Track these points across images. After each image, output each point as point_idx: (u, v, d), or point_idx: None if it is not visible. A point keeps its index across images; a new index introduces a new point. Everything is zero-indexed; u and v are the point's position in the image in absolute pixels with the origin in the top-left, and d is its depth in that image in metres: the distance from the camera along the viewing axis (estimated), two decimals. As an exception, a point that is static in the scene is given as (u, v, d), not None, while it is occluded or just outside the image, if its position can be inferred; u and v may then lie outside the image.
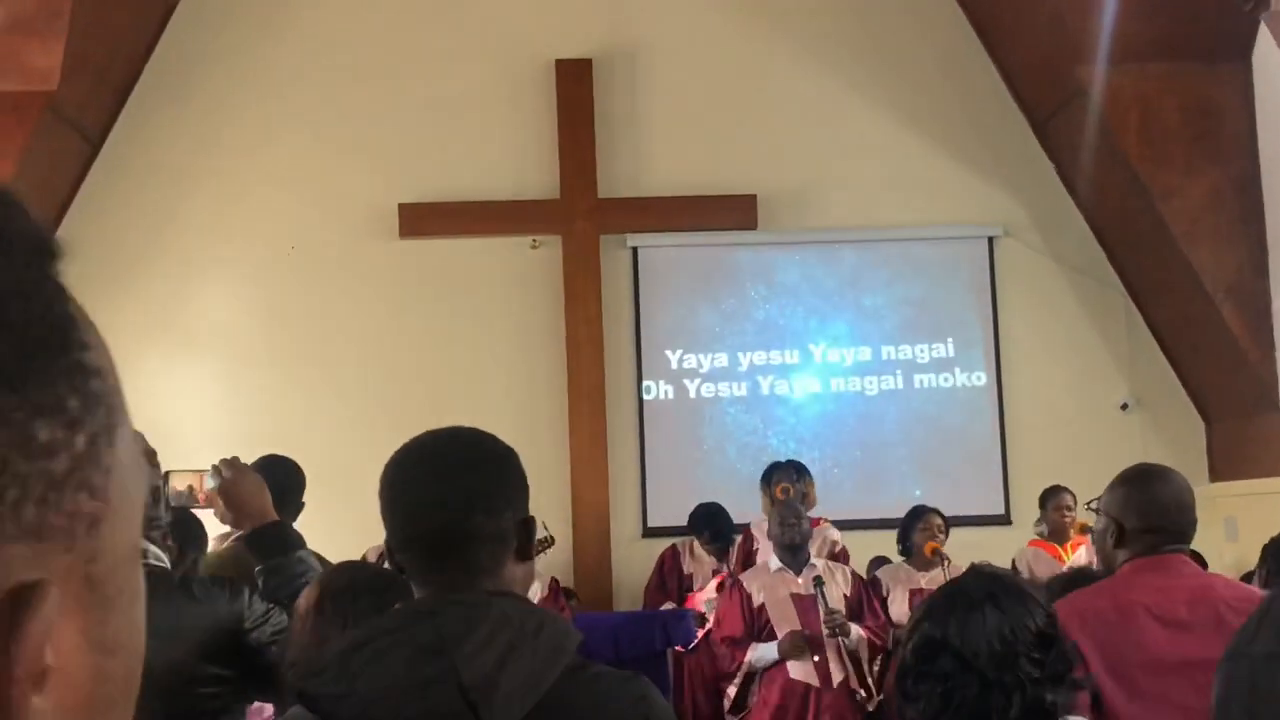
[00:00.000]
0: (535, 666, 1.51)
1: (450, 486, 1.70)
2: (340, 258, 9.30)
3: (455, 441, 1.77)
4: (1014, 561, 7.10)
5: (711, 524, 6.73)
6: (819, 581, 5.97)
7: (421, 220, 9.28)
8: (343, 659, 1.57)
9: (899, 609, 6.67)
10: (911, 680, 2.05)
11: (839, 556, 7.32)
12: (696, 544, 7.69)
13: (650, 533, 9.05)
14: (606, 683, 1.56)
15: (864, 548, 7.99)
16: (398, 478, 1.74)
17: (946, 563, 6.66)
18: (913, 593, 6.72)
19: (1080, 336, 9.59)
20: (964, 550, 7.01)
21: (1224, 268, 8.40)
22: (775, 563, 6.17)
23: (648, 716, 1.56)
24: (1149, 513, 2.86)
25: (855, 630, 5.93)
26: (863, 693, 5.82)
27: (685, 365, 9.59)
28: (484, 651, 1.51)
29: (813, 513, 7.26)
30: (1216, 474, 8.92)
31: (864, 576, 7.71)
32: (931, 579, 6.67)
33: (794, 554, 6.17)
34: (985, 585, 2.13)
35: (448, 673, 1.49)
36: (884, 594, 6.82)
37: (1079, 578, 4.28)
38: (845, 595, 6.14)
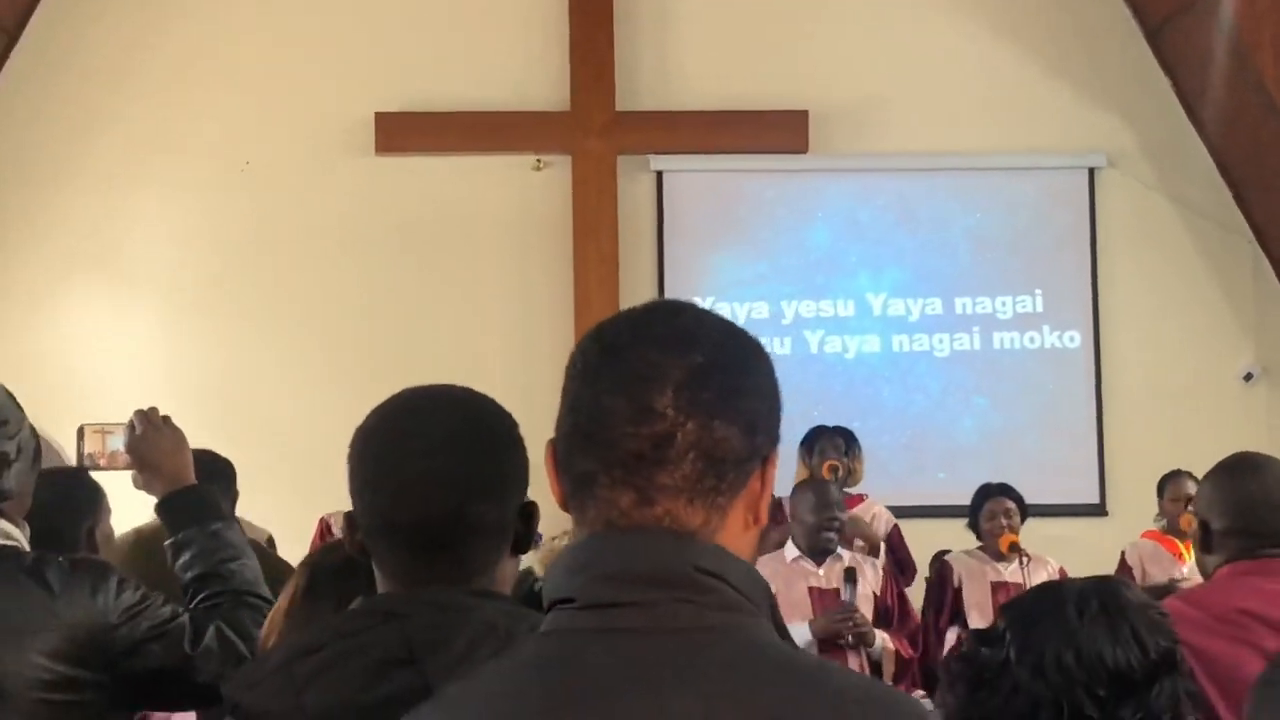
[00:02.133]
0: None
1: (446, 466, 1.66)
2: (304, 177, 9.23)
3: (447, 407, 1.72)
4: (1124, 555, 7.06)
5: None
6: (850, 575, 5.88)
7: (402, 133, 9.20)
8: (286, 667, 1.53)
9: (977, 605, 6.63)
10: (957, 660, 2.07)
11: (898, 542, 7.28)
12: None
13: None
14: None
15: (927, 539, 7.95)
16: (378, 450, 1.70)
17: (1026, 560, 6.61)
18: (995, 586, 6.67)
19: (1197, 291, 9.47)
20: (1048, 546, 6.95)
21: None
22: (793, 550, 6.10)
23: None
24: (1237, 511, 2.90)
25: (880, 639, 5.87)
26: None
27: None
28: (462, 666, 1.47)
29: (857, 489, 7.22)
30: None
31: (928, 573, 7.66)
32: (1013, 572, 6.63)
33: (824, 556, 6.11)
34: (1087, 587, 2.11)
35: (415, 690, 1.44)
36: (956, 584, 6.78)
37: (1171, 590, 4.31)
38: (875, 593, 6.09)
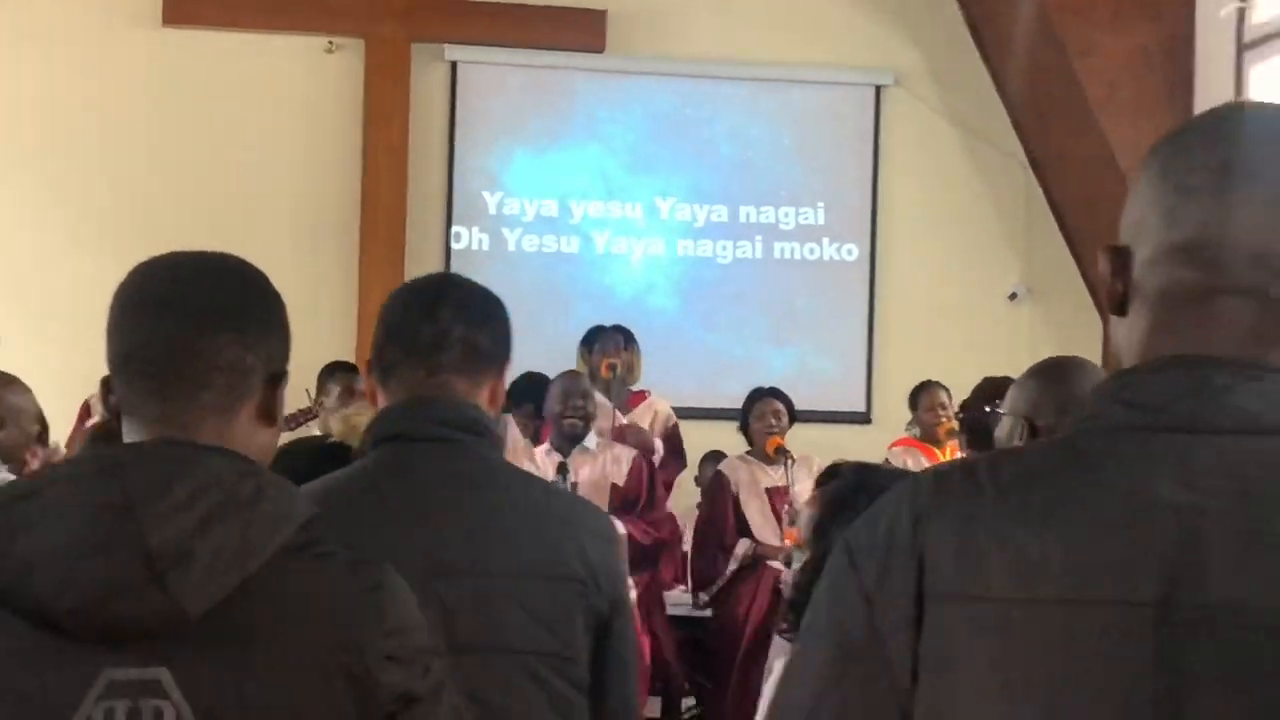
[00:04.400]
0: (245, 539, 1.48)
1: (188, 292, 1.60)
2: (85, 48, 8.94)
3: (209, 256, 1.67)
4: (885, 463, 7.30)
5: (537, 396, 6.76)
6: (562, 469, 6.04)
7: (190, 5, 8.96)
8: (1, 513, 1.48)
9: (757, 515, 6.84)
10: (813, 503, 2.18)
11: (672, 435, 7.45)
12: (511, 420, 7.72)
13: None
14: (334, 567, 1.54)
15: (705, 440, 8.13)
16: (127, 286, 1.65)
17: (791, 462, 6.83)
18: (770, 493, 6.88)
19: (971, 212, 9.80)
20: (814, 450, 7.15)
21: (1143, 143, 8.62)
22: (546, 447, 6.28)
23: (381, 609, 1.53)
24: (1067, 408, 2.86)
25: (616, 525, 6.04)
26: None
27: (506, 211, 9.53)
28: (180, 515, 1.46)
29: (637, 387, 7.36)
30: (1110, 379, 9.21)
31: (697, 472, 7.86)
32: (780, 475, 6.84)
33: (572, 444, 6.29)
34: (882, 479, 2.24)
35: (131, 536, 1.44)
36: (734, 493, 6.97)
37: None
38: (617, 485, 6.27)
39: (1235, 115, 1.30)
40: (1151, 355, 1.25)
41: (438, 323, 2.18)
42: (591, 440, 6.34)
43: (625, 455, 6.50)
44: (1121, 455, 1.20)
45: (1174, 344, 1.24)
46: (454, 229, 9.47)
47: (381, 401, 2.20)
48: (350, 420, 4.16)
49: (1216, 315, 1.23)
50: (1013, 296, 9.79)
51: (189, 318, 1.59)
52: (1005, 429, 3.00)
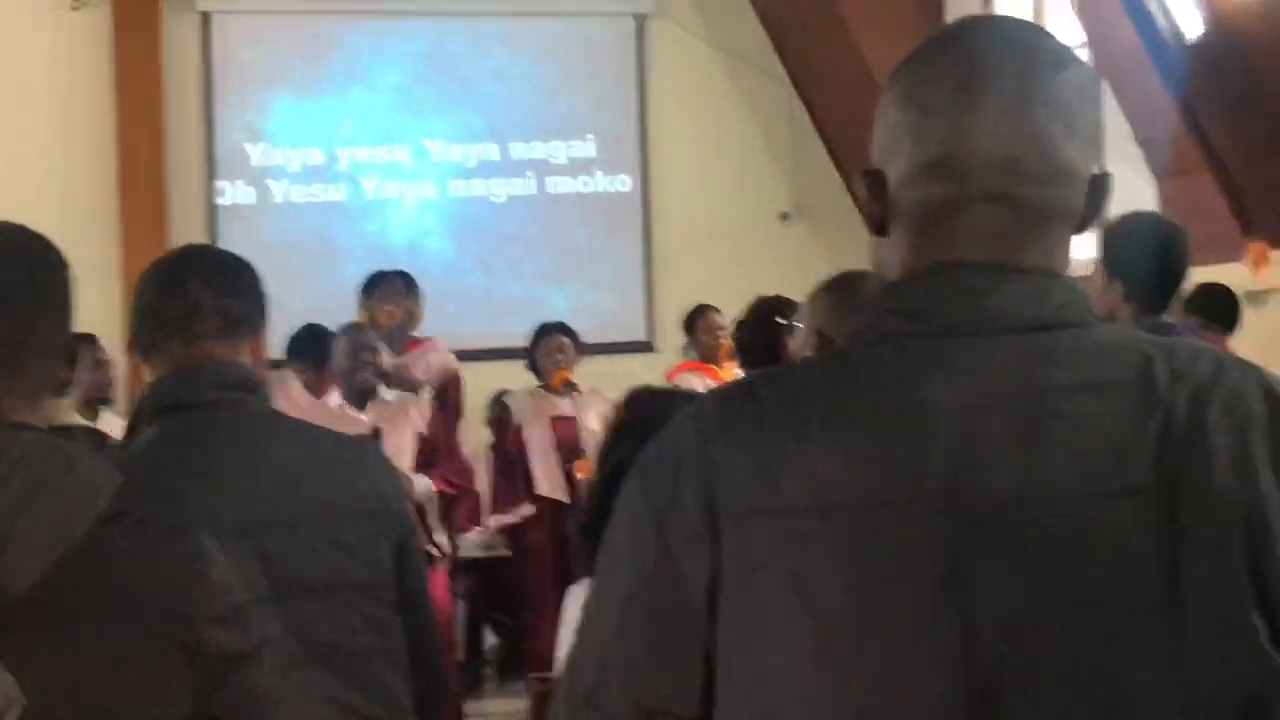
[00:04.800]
0: (61, 515, 1.46)
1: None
2: None
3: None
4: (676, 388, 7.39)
5: (318, 348, 6.63)
6: (378, 433, 5.97)
7: (-81, -33, 8.57)
8: None
9: (538, 440, 6.87)
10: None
11: (450, 386, 7.42)
12: (291, 374, 7.58)
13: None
14: (151, 536, 1.53)
15: (491, 381, 8.12)
16: None
17: (578, 394, 6.88)
18: (554, 421, 6.91)
19: (739, 136, 9.91)
20: (601, 381, 7.20)
21: (898, 61, 8.82)
22: (336, 399, 6.17)
23: (204, 575, 1.54)
24: (856, 320, 2.94)
25: (422, 483, 5.99)
26: (434, 550, 5.89)
27: (270, 162, 9.36)
28: None
29: (417, 333, 7.30)
30: (882, 294, 9.47)
31: (488, 413, 7.86)
32: (567, 406, 6.88)
33: (366, 398, 6.21)
34: (662, 402, 2.26)
35: None
36: (515, 425, 6.98)
37: None
38: (421, 434, 6.23)
39: (967, 29, 1.34)
40: (908, 268, 1.30)
41: (188, 295, 2.24)
42: (387, 393, 6.26)
43: (423, 402, 6.44)
44: (895, 362, 1.23)
45: (934, 255, 1.28)
46: (217, 184, 9.25)
47: (146, 377, 2.29)
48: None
49: (969, 224, 1.27)
50: (784, 217, 9.95)
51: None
52: (798, 342, 3.05)
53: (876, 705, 1.16)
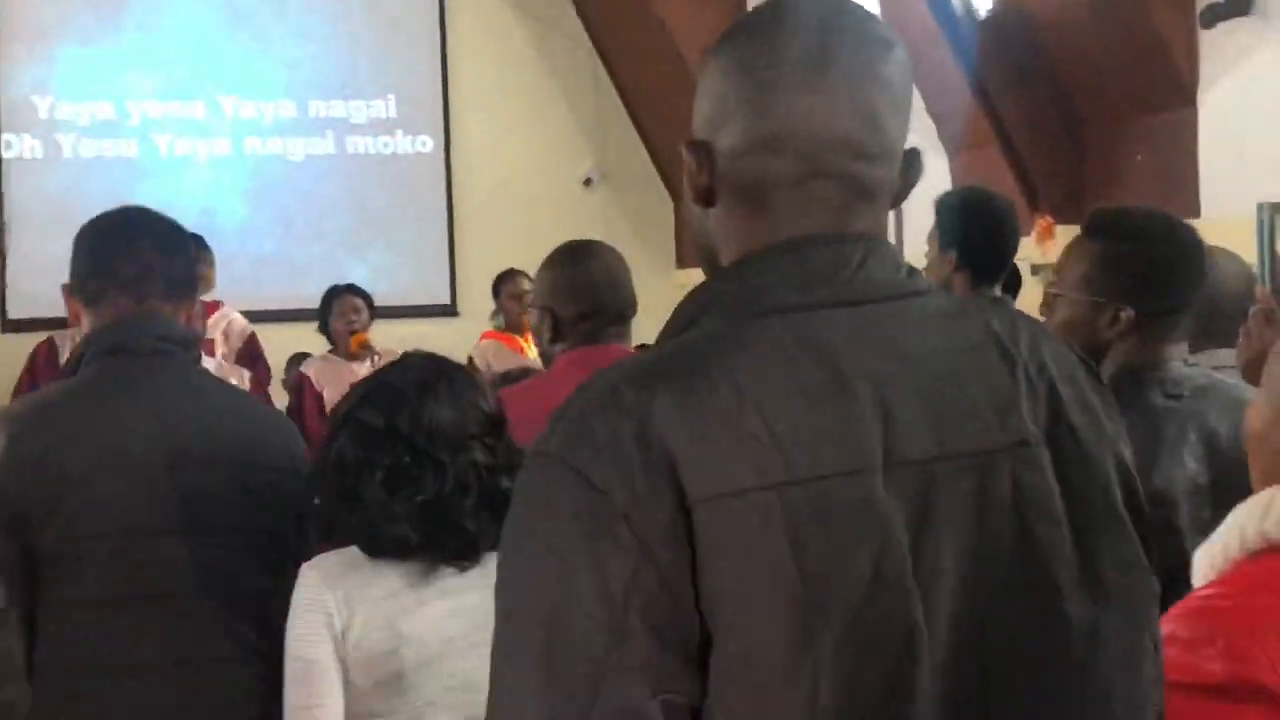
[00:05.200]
0: None
1: None
2: None
3: None
4: (471, 358, 7.33)
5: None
6: None
7: None
8: None
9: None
10: (352, 474, 2.14)
11: (249, 349, 7.29)
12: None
13: (12, 326, 8.65)
14: None
15: (288, 343, 7.99)
16: None
17: (376, 357, 6.79)
18: (353, 386, 6.81)
19: (543, 99, 9.89)
20: (402, 345, 7.10)
21: (700, 28, 8.86)
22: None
23: None
24: (579, 294, 2.89)
25: None
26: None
27: (59, 116, 9.08)
28: None
29: (210, 296, 7.15)
30: (684, 260, 9.63)
31: (284, 376, 7.74)
32: (365, 370, 6.80)
33: None
34: (432, 367, 2.25)
35: None
36: (318, 391, 6.88)
37: (529, 374, 4.44)
38: None
39: (795, 4, 1.34)
40: (760, 241, 1.29)
41: (140, 256, 2.44)
42: (209, 362, 6.12)
43: (242, 372, 6.31)
44: (798, 336, 1.23)
45: (779, 229, 1.28)
46: (3, 137, 8.93)
47: (87, 322, 2.46)
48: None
49: (809, 199, 1.28)
50: (587, 182, 9.97)
51: None
52: (534, 320, 2.99)
53: (860, 677, 1.16)
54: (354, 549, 2.18)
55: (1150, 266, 2.42)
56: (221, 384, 2.71)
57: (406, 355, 2.40)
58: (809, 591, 1.15)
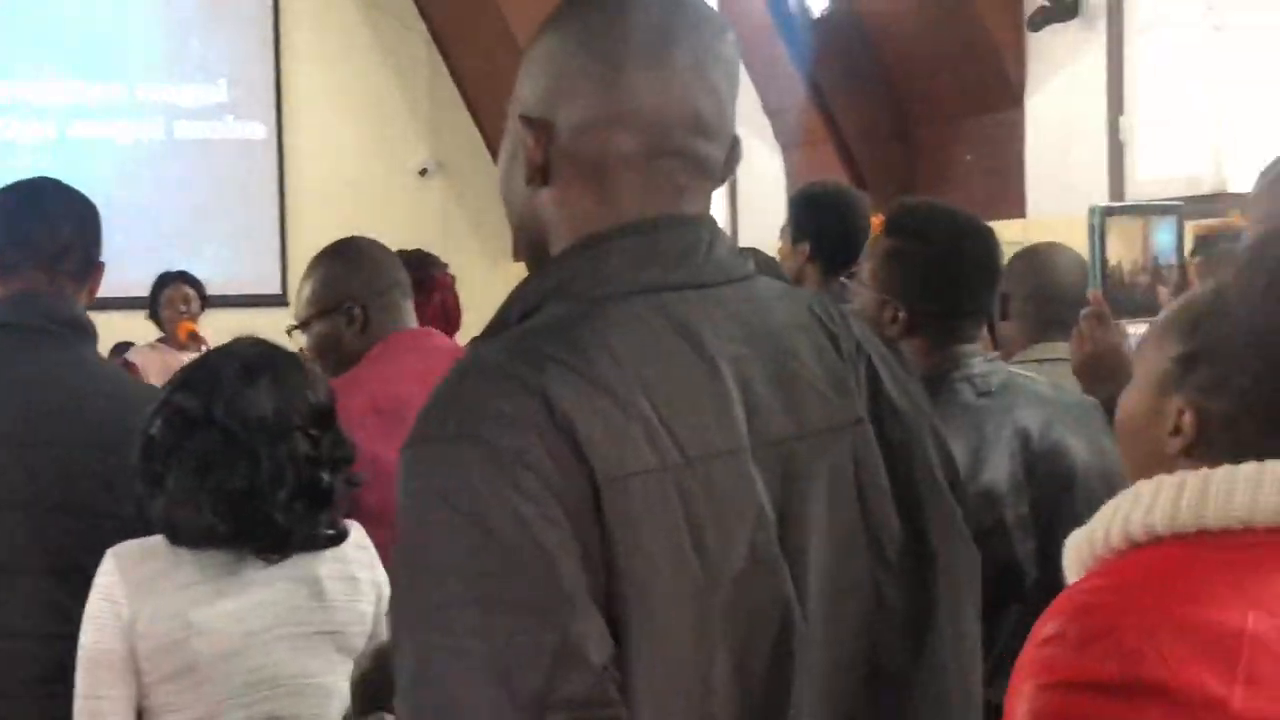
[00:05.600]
0: None
1: None
2: None
3: None
4: (303, 347, 7.22)
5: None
6: None
7: None
8: None
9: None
10: (160, 459, 2.07)
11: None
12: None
13: None
14: None
15: (113, 331, 7.79)
16: None
17: (204, 347, 6.67)
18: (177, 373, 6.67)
19: (378, 88, 9.78)
20: (231, 335, 7.00)
21: (539, 18, 8.78)
22: None
23: None
24: (373, 285, 2.83)
25: None
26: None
27: None
28: None
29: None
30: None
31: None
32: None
33: None
34: (258, 353, 2.18)
35: None
36: (146, 381, 6.72)
37: None
38: None
39: None
40: (605, 222, 1.26)
41: (57, 233, 2.51)
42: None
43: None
44: (667, 316, 1.22)
45: (624, 208, 1.26)
46: None
47: None
48: None
49: (655, 177, 1.27)
50: (423, 172, 9.89)
51: None
52: (339, 323, 2.88)
53: (748, 651, 1.18)
54: (160, 537, 2.11)
55: (926, 267, 2.41)
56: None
57: (235, 341, 2.32)
58: (705, 570, 1.16)
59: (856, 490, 1.28)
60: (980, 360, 2.43)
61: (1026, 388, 2.44)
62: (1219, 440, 1.33)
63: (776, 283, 1.36)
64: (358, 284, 2.80)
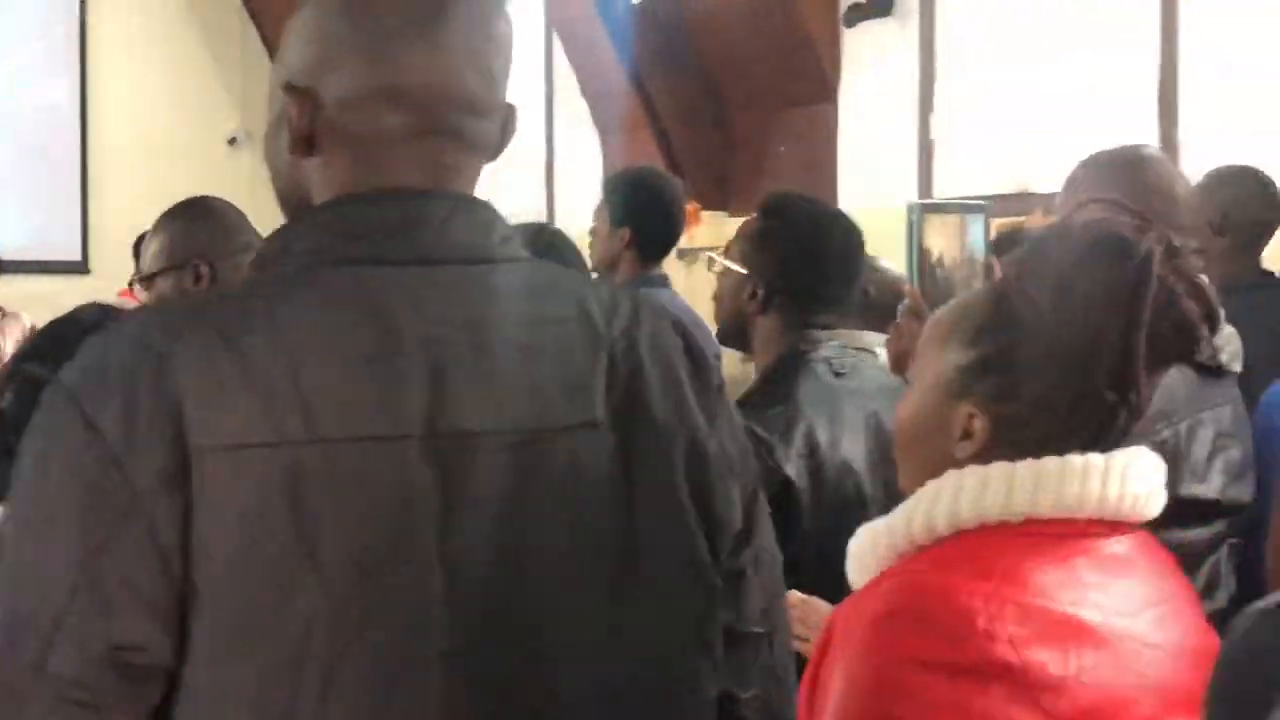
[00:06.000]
0: None
1: None
2: None
3: None
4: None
5: None
6: None
7: None
8: None
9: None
10: (13, 430, 2.04)
11: None
12: None
13: None
14: None
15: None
16: None
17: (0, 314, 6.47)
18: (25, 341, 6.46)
19: (188, 55, 9.59)
20: (29, 303, 6.82)
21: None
22: None
23: None
24: (219, 245, 2.77)
25: None
26: None
27: None
28: None
29: None
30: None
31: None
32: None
33: None
34: (103, 315, 2.18)
35: None
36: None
37: None
38: None
39: None
40: (355, 192, 1.24)
41: None
42: None
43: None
44: (358, 290, 1.18)
45: (377, 180, 1.24)
46: None
47: None
48: None
49: (418, 152, 1.24)
50: (232, 141, 9.71)
51: None
52: (186, 279, 2.86)
53: (382, 652, 1.13)
54: None
55: (786, 248, 2.51)
56: None
57: (78, 308, 2.27)
58: (306, 554, 1.11)
59: (568, 497, 1.21)
60: (835, 345, 2.51)
61: (873, 371, 2.53)
62: (1010, 441, 1.37)
63: (547, 272, 1.31)
64: (207, 242, 2.74)
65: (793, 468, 2.35)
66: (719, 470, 1.29)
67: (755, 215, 2.59)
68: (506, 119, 1.31)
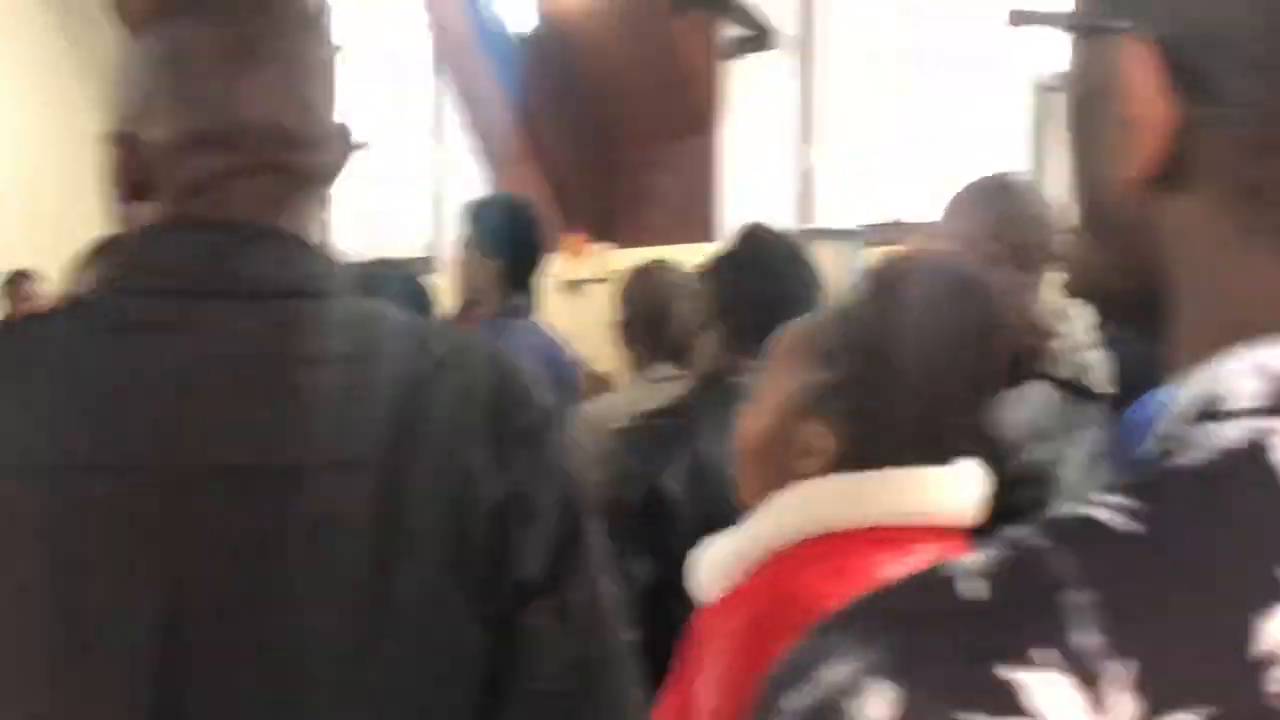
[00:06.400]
0: None
1: None
2: None
3: None
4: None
5: None
6: None
7: None
8: None
9: None
10: None
11: None
12: None
13: None
14: None
15: None
16: None
17: None
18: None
19: (59, 64, 9.40)
20: None
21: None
22: None
23: None
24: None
25: None
26: None
27: None
28: None
29: None
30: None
31: None
32: None
33: None
34: None
35: None
36: None
37: None
38: None
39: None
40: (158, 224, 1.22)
41: None
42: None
43: None
44: (135, 320, 1.17)
45: (202, 219, 1.22)
46: None
47: None
48: None
49: (244, 191, 1.22)
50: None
51: None
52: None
53: (78, 695, 1.09)
54: None
55: (731, 277, 2.57)
56: None
57: None
58: (38, 592, 1.09)
59: (301, 537, 1.13)
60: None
61: None
62: (856, 457, 1.40)
63: (358, 307, 1.25)
64: None
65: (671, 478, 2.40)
66: (513, 519, 1.20)
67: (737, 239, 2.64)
68: (339, 142, 1.28)
